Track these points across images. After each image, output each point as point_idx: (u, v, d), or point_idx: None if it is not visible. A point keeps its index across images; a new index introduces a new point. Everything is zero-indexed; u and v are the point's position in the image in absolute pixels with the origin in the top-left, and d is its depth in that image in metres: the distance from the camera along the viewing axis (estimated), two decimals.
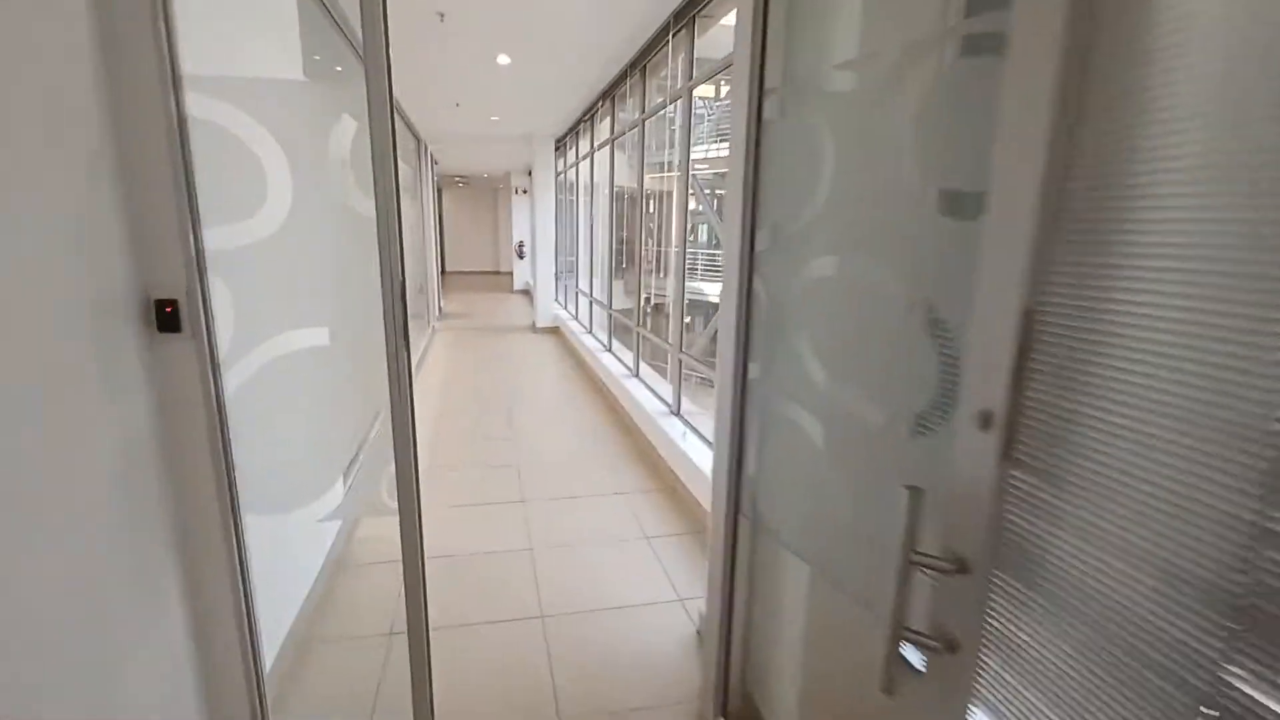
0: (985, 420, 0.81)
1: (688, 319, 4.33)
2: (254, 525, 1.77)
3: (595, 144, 7.08)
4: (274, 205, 1.78)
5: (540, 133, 8.82)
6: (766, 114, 1.73)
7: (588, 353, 6.86)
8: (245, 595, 1.66)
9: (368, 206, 1.88)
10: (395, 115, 1.94)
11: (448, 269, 20.52)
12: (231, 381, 1.69)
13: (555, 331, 9.46)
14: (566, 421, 5.14)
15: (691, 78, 3.88)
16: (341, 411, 2.13)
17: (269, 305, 1.86)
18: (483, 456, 4.38)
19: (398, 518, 1.98)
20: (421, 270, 9.13)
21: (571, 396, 5.87)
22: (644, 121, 4.98)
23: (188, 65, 1.37)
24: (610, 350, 6.50)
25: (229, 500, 1.69)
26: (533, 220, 9.71)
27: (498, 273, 20.69)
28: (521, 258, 15.71)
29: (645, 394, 4.88)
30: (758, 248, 1.80)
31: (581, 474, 4.09)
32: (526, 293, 15.31)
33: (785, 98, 1.67)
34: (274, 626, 2.09)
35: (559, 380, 6.56)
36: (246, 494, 1.75)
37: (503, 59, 4.91)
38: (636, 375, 5.37)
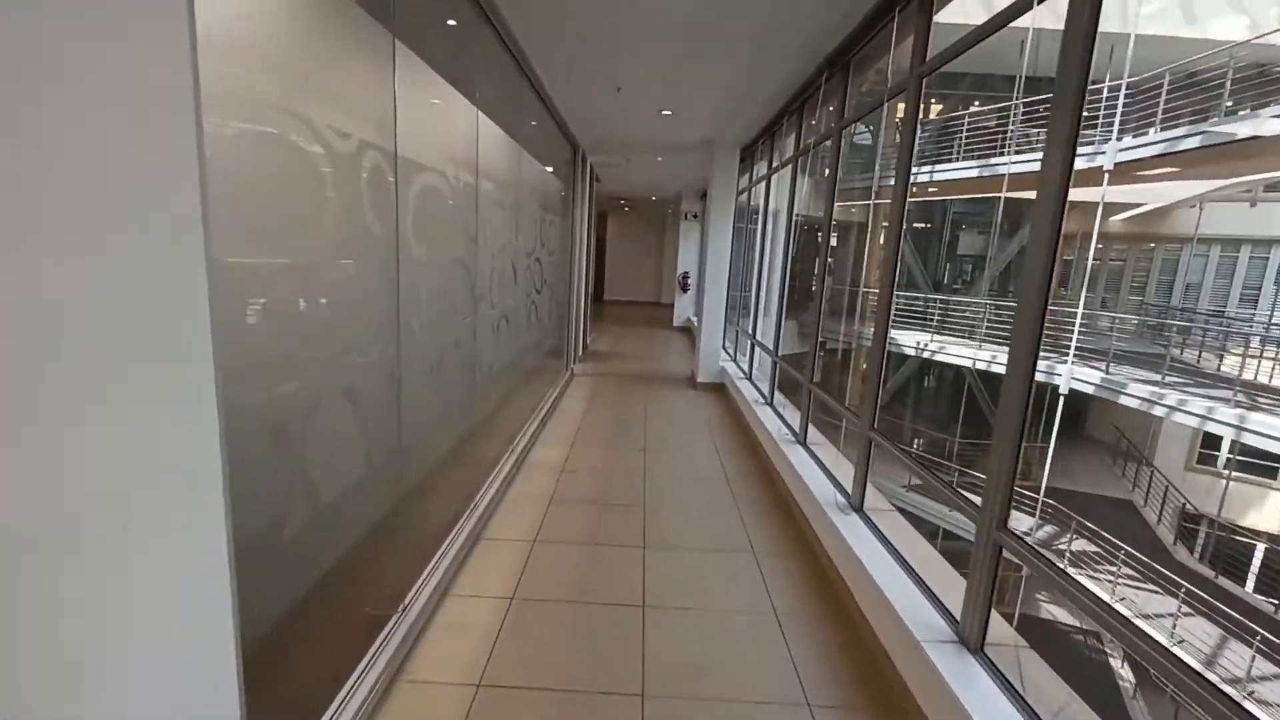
0: None
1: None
2: None
3: (802, 144, 4.99)
4: None
5: (722, 139, 6.92)
6: None
7: (768, 438, 4.70)
8: None
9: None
10: None
11: (605, 297, 19.43)
12: None
13: (719, 391, 7.39)
14: (737, 584, 3.01)
15: None
16: None
17: None
18: (588, 655, 2.37)
19: None
20: (565, 300, 7.57)
21: (739, 520, 3.73)
22: (919, 81, 2.79)
23: None
24: (804, 444, 4.29)
25: None
26: (703, 248, 7.79)
27: (657, 304, 19.17)
28: (685, 291, 13.95)
29: (880, 559, 2.63)
30: None
31: None
32: (686, 330, 13.48)
33: None
34: None
35: (726, 488, 4.45)
36: None
37: None
38: (859, 510, 3.13)
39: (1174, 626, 8.48)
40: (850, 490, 3.22)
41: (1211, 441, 12.82)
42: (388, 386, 2.32)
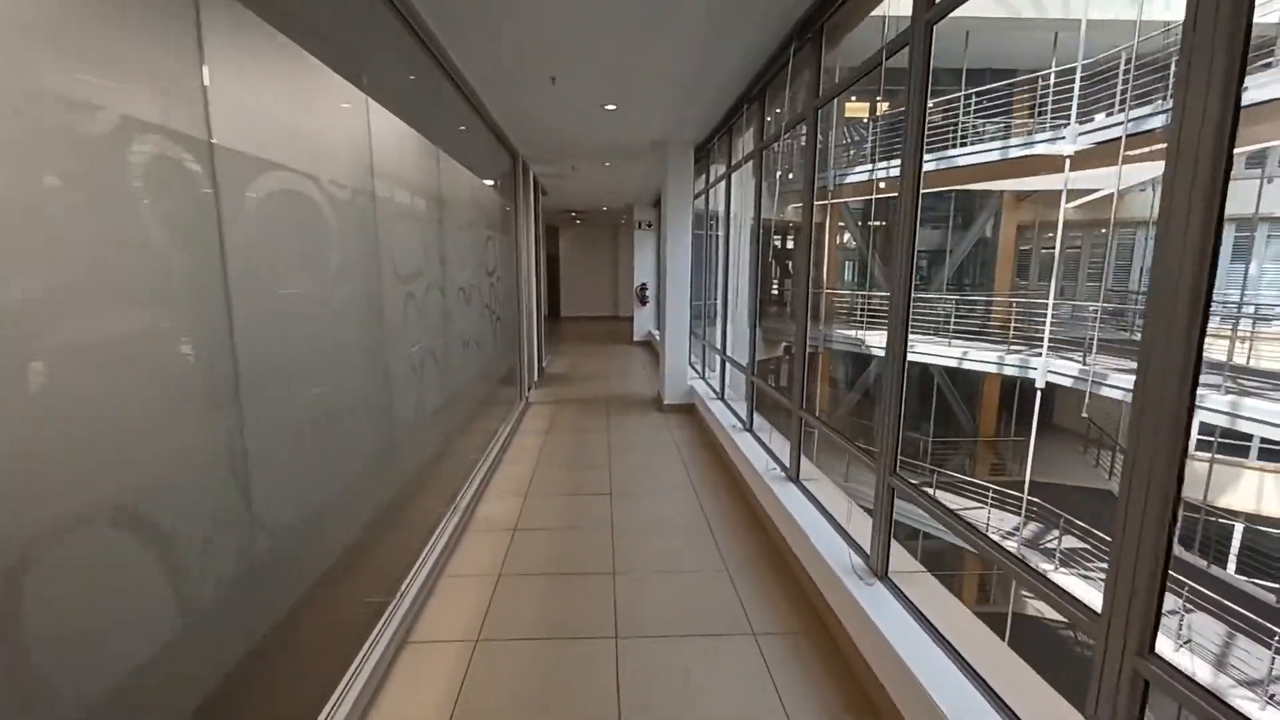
0: None
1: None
2: None
3: (767, 134, 4.40)
4: None
5: (675, 138, 6.32)
6: None
7: (752, 474, 4.06)
8: None
9: None
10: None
11: (562, 314, 18.72)
12: None
13: (689, 413, 6.74)
14: (740, 688, 2.34)
15: None
16: None
17: None
18: None
19: None
20: (514, 323, 6.83)
21: (731, 587, 3.07)
22: (928, 31, 2.21)
23: None
24: (796, 480, 3.66)
25: None
26: (661, 256, 7.17)
27: (616, 318, 18.53)
28: (644, 304, 13.33)
29: (923, 652, 2.00)
30: None
31: None
32: (648, 345, 12.86)
33: None
34: None
35: (710, 541, 3.80)
36: None
37: None
38: (883, 576, 2.50)
39: (1180, 626, 8.13)
40: (869, 550, 2.58)
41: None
42: (224, 483, 1.58)
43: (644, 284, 13.39)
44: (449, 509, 3.84)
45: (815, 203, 3.44)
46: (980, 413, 14.56)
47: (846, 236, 15.68)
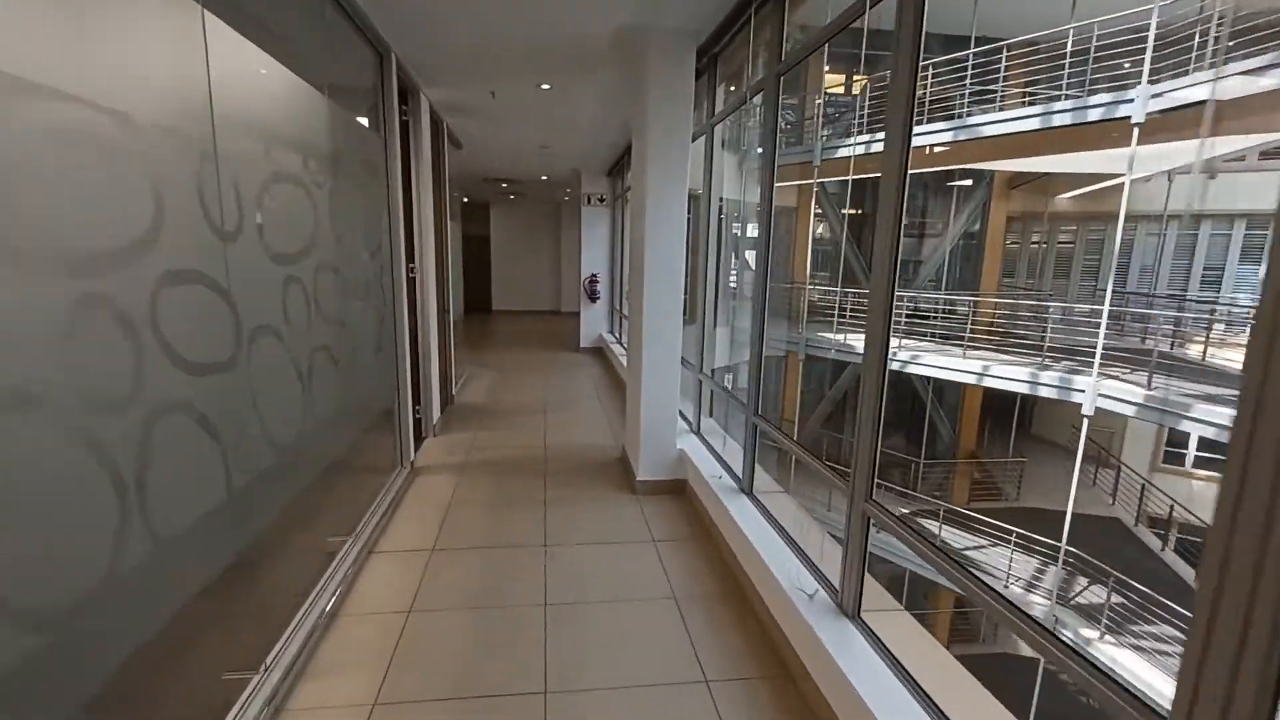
0: None
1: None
2: None
3: None
4: None
5: (665, 22, 3.60)
6: None
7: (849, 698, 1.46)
8: None
9: None
10: None
11: (494, 308, 15.72)
12: None
13: (679, 498, 4.06)
14: None
15: None
16: None
17: None
18: None
19: None
20: (388, 337, 3.97)
21: None
22: None
23: None
24: None
25: None
26: (635, 237, 4.40)
27: (557, 313, 15.67)
28: (594, 299, 10.55)
29: None
30: None
31: None
32: (599, 353, 10.11)
33: None
34: None
35: None
36: None
37: None
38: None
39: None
40: None
41: (1177, 439, 11.22)
42: None
43: (594, 275, 10.60)
44: None
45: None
46: (961, 425, 12.67)
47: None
